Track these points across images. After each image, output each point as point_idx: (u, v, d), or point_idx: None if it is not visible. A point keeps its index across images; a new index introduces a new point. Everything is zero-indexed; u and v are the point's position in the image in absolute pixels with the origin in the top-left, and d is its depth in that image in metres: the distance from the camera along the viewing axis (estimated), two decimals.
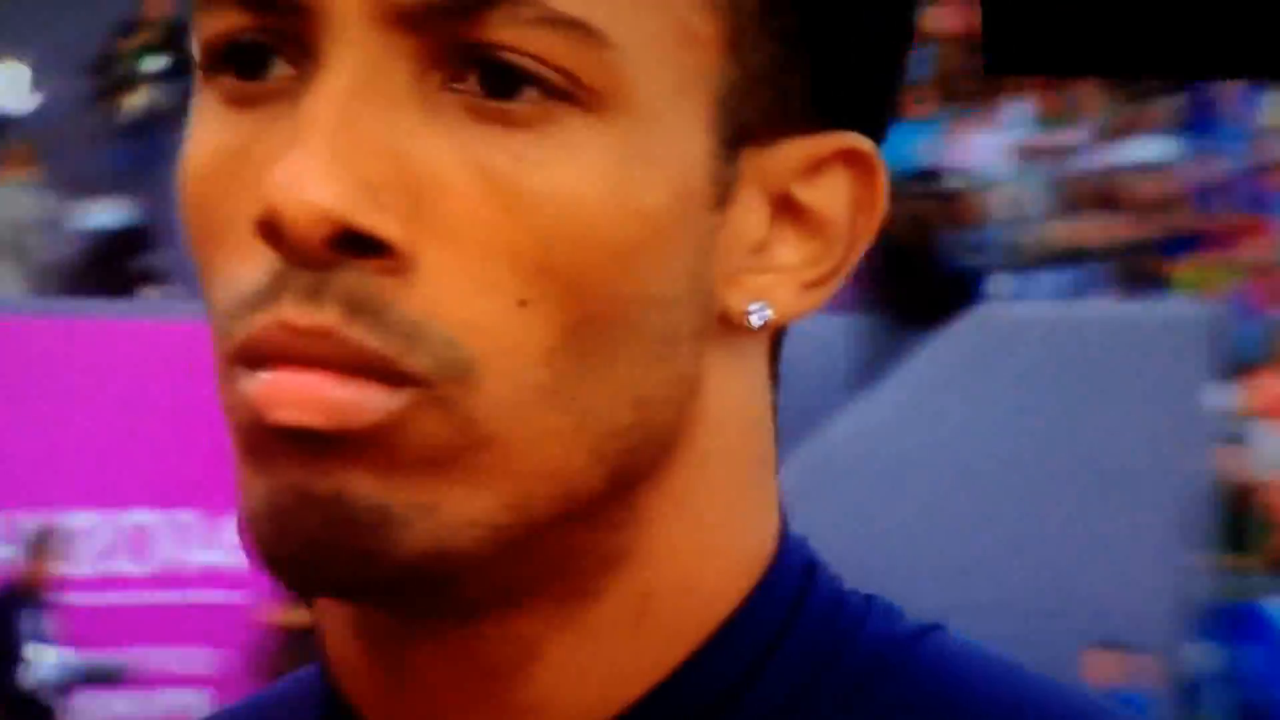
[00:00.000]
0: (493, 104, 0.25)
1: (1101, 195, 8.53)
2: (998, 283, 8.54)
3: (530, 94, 0.25)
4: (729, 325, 0.28)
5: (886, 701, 0.29)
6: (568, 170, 0.25)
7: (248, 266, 0.25)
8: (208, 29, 0.27)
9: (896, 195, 0.31)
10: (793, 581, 0.30)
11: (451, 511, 0.25)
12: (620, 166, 0.25)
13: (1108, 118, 8.83)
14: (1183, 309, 7.93)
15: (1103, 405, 7.05)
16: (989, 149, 8.92)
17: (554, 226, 0.25)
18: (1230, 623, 6.86)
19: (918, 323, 7.81)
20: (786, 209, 0.29)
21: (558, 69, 0.25)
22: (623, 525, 0.28)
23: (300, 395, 0.24)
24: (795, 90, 0.28)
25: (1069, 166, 8.81)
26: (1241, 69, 1.58)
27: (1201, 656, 6.81)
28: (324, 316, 0.24)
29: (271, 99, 0.26)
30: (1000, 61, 1.65)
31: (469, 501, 0.25)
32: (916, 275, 7.78)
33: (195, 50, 0.28)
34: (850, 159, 0.29)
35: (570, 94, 0.25)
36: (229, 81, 0.27)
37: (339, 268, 0.24)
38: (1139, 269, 8.33)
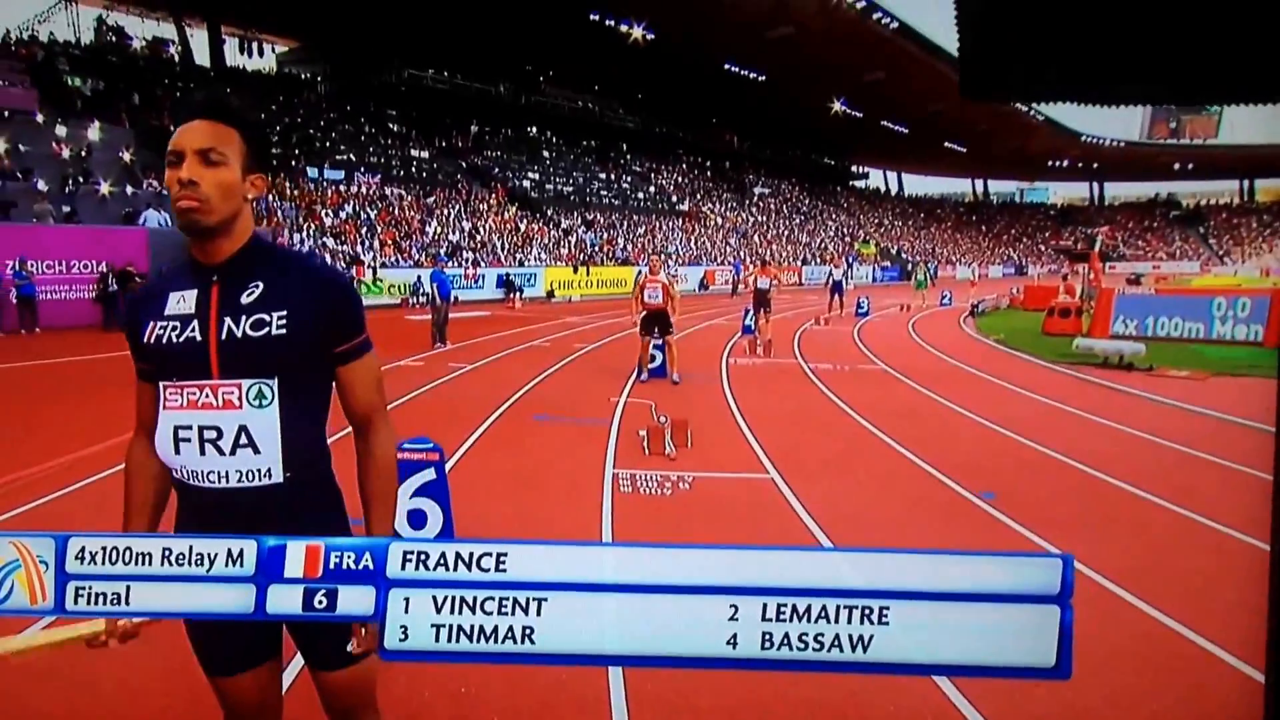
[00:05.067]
0: (210, 164, 2.40)
1: None
2: None
3: (216, 162, 2.40)
4: (246, 199, 2.46)
5: (287, 263, 2.46)
6: (223, 175, 2.39)
7: (175, 188, 2.36)
8: (168, 160, 2.41)
9: None
10: (258, 237, 2.49)
11: (213, 217, 2.38)
12: (231, 174, 2.40)
13: None
14: None
15: None
16: None
17: (223, 181, 2.39)
18: None
19: None
20: (252, 183, 2.46)
21: (216, 158, 2.39)
22: (241, 214, 2.45)
23: (185, 204, 2.35)
24: (255, 161, 2.48)
25: None
26: (1220, 92, 1.60)
27: None
28: (188, 192, 2.35)
29: (176, 166, 2.39)
30: (976, 86, 1.63)
31: (216, 214, 2.39)
32: None
33: (168, 158, 2.40)
34: (260, 177, 2.50)
35: (219, 162, 2.39)
36: (171, 162, 2.40)
37: (190, 186, 2.35)
38: None
